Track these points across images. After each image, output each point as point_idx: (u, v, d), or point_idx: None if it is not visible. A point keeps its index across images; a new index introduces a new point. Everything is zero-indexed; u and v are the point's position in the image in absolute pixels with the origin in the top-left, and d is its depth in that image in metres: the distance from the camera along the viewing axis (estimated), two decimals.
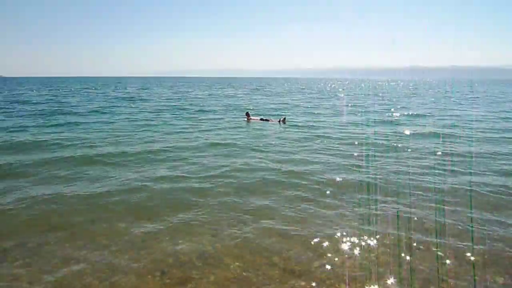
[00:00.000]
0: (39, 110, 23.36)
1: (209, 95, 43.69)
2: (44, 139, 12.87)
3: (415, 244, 5.13)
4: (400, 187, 7.55)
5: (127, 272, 4.45)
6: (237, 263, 4.66)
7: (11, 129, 14.99)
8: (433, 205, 6.54)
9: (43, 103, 29.04)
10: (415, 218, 5.97)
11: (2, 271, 4.47)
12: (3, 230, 5.59)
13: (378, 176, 8.25)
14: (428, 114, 22.43)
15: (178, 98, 36.94)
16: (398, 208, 6.42)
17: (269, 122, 18.08)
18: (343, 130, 15.77)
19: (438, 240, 5.21)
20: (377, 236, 5.32)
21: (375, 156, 10.39)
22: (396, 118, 20.34)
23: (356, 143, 12.42)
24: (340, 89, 65.17)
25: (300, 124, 17.79)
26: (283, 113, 21.06)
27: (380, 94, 47.57)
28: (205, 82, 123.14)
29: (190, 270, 4.50)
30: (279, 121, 18.00)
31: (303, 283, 4.26)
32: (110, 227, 5.68)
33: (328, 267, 4.58)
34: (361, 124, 18.03)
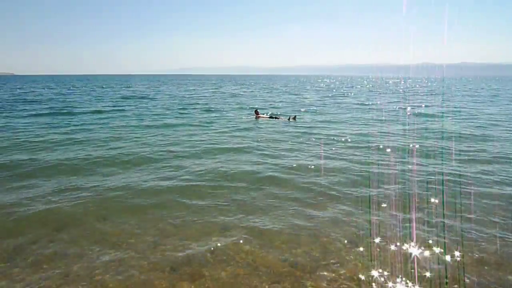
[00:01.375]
0: (46, 109, 23.65)
1: (216, 92, 43.71)
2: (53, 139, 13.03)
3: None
4: None
5: (138, 268, 4.47)
6: (247, 260, 4.65)
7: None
8: None
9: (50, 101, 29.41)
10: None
11: (13, 269, 4.53)
12: (15, 227, 5.67)
13: None
14: None
15: (189, 96, 36.97)
16: None
17: (279, 120, 18.01)
18: None
19: None
20: None
21: None
22: None
23: None
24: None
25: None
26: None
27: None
28: (211, 79, 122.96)
29: (200, 267, 4.50)
30: (289, 119, 17.87)
31: (312, 280, 4.24)
32: (121, 225, 5.71)
33: (337, 265, 4.55)
34: None
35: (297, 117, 18.24)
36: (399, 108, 24.68)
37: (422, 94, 41.62)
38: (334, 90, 49.15)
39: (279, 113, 20.51)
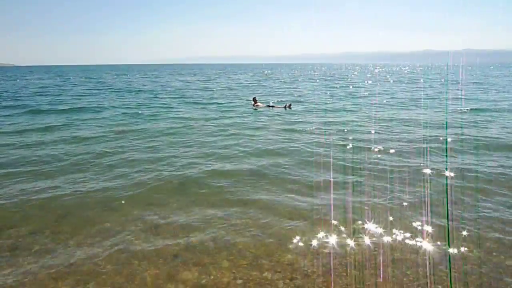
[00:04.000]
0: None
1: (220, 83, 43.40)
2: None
3: None
4: None
5: (140, 256, 4.46)
6: (250, 249, 4.63)
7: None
8: None
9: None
10: None
11: (16, 259, 4.52)
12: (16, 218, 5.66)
13: None
14: None
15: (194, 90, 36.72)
16: None
17: (274, 108, 17.91)
18: None
19: None
20: None
21: None
22: None
23: None
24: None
25: None
26: None
27: None
28: (213, 68, 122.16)
29: (202, 255, 4.49)
30: (285, 107, 17.70)
31: (315, 267, 4.21)
32: (122, 213, 5.67)
33: (342, 250, 4.53)
34: None
35: (292, 105, 17.97)
36: None
37: None
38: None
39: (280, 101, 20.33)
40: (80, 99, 23.43)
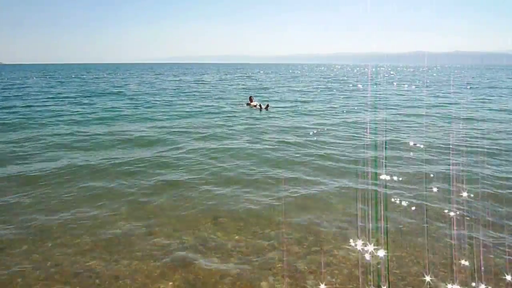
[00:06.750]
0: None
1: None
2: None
3: None
4: None
5: (129, 258, 4.48)
6: (238, 249, 4.71)
7: None
8: None
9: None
10: None
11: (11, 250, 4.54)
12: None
13: None
14: None
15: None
16: None
17: (254, 106, 18.01)
18: None
19: None
20: None
21: None
22: None
23: None
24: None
25: None
26: None
27: None
28: (210, 68, 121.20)
29: (192, 256, 4.54)
30: (260, 108, 17.25)
31: (300, 267, 4.31)
32: (111, 218, 5.64)
33: (326, 254, 4.61)
34: None
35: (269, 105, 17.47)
36: None
37: None
38: None
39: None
40: None
